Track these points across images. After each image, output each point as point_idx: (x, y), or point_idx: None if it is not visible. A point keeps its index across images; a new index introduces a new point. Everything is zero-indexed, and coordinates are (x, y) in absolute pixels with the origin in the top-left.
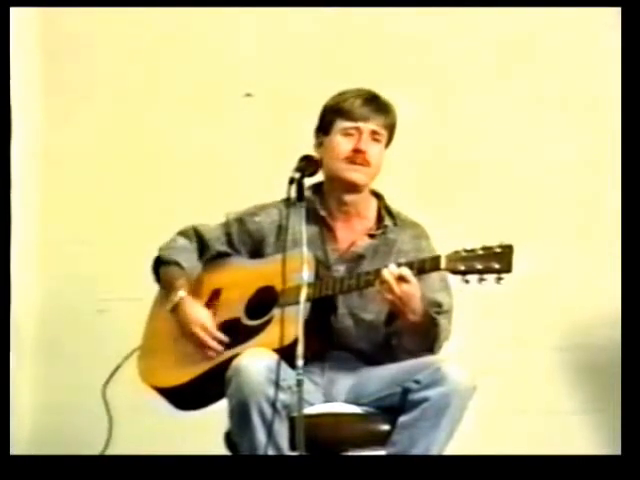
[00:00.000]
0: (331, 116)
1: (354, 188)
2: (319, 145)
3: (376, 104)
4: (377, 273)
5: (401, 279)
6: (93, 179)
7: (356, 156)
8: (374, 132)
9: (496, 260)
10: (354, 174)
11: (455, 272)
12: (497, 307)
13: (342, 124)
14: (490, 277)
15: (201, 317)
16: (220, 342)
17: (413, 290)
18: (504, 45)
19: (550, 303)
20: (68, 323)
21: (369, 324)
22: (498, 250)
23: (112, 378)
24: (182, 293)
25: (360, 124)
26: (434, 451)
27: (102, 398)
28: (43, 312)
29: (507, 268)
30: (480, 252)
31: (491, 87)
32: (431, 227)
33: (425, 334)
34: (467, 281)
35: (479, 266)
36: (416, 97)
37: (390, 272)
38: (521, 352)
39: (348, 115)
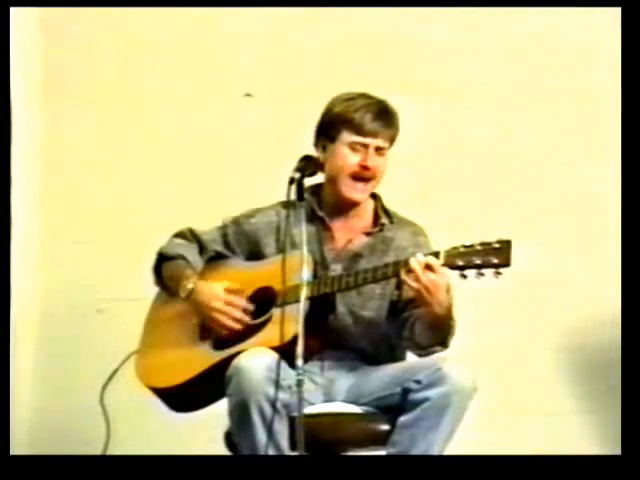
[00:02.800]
0: (339, 125)
1: (354, 205)
2: (322, 149)
3: (386, 118)
4: (395, 265)
5: (428, 268)
6: (93, 179)
7: (362, 172)
8: (379, 148)
9: (494, 255)
10: (356, 194)
11: (454, 267)
12: (497, 307)
13: (350, 137)
14: (488, 272)
15: (220, 292)
16: (246, 311)
17: (440, 280)
18: (504, 45)
19: (550, 303)
20: (68, 323)
21: (369, 322)
22: (497, 245)
23: (110, 381)
24: (195, 280)
25: (368, 140)
26: (434, 451)
27: (100, 402)
28: (43, 312)
29: (505, 262)
30: (478, 247)
31: (491, 86)
32: (430, 225)
33: (442, 327)
34: (464, 276)
35: (477, 261)
36: (416, 97)
37: (417, 260)
38: (521, 352)
39: (358, 129)
